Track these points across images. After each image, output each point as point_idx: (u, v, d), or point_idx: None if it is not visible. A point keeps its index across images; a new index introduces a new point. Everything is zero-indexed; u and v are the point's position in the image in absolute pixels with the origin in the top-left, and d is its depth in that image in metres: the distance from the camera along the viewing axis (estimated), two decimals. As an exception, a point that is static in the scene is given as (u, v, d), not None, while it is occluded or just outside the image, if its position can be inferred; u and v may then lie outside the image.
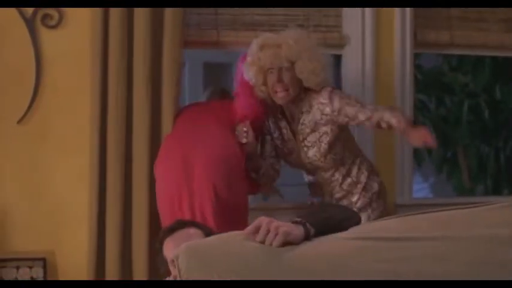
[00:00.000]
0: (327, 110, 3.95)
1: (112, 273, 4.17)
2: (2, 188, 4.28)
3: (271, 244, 2.34)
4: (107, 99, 4.22)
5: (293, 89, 3.94)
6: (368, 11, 4.61)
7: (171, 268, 3.06)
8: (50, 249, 4.29)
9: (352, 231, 2.45)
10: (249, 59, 4.00)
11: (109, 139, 4.21)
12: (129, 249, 4.22)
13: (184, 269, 2.33)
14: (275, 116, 4.12)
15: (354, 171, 4.15)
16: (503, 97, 9.92)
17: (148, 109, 4.20)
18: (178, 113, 4.22)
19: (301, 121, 4.03)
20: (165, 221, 3.83)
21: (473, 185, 10.45)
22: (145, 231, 4.17)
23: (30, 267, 4.15)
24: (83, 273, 4.21)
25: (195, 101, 4.98)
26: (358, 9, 4.61)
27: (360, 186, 4.14)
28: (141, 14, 4.20)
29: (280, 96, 3.95)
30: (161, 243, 3.32)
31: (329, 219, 2.52)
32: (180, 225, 3.36)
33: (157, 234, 3.52)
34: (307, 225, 2.41)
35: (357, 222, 2.65)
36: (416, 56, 4.75)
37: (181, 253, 2.35)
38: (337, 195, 4.16)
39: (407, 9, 4.65)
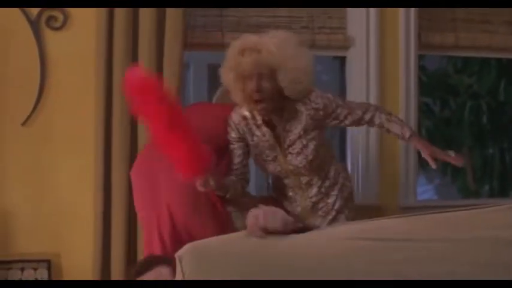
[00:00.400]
0: (320, 114, 3.75)
1: (117, 274, 4.17)
2: (6, 189, 4.28)
3: None
4: (111, 101, 4.22)
5: (273, 98, 3.67)
6: (372, 12, 4.61)
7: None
8: (55, 250, 4.30)
9: (351, 231, 2.45)
10: (227, 63, 3.72)
11: (114, 140, 4.21)
12: (134, 250, 4.22)
13: (189, 271, 2.34)
14: (255, 123, 3.82)
15: (332, 172, 3.92)
16: (508, 99, 9.90)
17: (153, 110, 4.20)
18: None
19: (286, 128, 3.78)
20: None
21: (479, 187, 10.42)
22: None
23: (35, 269, 4.15)
24: (88, 274, 4.22)
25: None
26: (363, 11, 4.61)
27: (337, 187, 3.93)
28: (145, 15, 4.20)
29: (259, 108, 3.70)
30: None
31: None
32: (150, 265, 3.39)
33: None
34: None
35: None
36: (420, 58, 4.75)
37: (185, 254, 2.36)
38: (314, 199, 3.90)
39: (412, 11, 4.65)
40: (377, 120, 3.81)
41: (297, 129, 3.77)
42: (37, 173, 4.31)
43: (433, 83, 10.04)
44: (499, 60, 9.35)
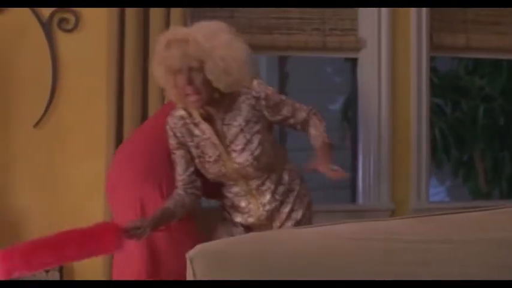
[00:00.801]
0: (262, 103, 3.54)
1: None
2: (18, 191, 4.30)
3: None
4: (123, 103, 4.23)
5: (206, 91, 3.43)
6: (384, 14, 4.61)
7: None
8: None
9: (361, 231, 2.45)
10: (155, 58, 3.52)
11: (125, 142, 4.22)
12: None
13: (201, 272, 2.34)
14: (193, 121, 3.60)
15: (286, 177, 3.67)
16: (520, 100, 9.88)
17: (165, 112, 4.21)
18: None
19: (226, 121, 3.55)
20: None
21: (490, 189, 10.40)
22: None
23: (47, 271, 4.16)
24: (99, 277, 4.22)
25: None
26: (374, 13, 4.60)
27: (292, 194, 3.68)
28: (157, 16, 4.21)
29: (192, 101, 3.45)
30: None
31: None
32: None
33: None
34: None
35: None
36: (431, 59, 4.74)
37: (196, 255, 2.37)
38: (268, 207, 3.65)
39: (424, 12, 4.64)
40: (311, 124, 3.62)
41: (237, 121, 3.54)
42: (49, 174, 4.32)
43: (444, 85, 10.03)
44: (510, 61, 9.33)
